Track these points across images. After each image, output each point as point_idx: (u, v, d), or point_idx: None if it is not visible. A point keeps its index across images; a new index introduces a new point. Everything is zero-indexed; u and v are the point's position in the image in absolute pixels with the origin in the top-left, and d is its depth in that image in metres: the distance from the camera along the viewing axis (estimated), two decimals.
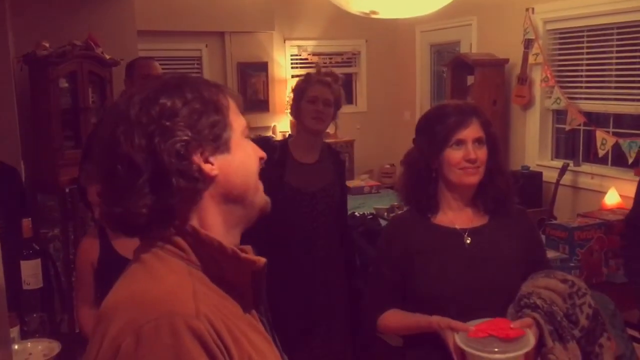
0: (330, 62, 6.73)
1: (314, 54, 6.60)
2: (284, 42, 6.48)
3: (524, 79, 4.95)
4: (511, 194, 1.85)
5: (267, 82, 6.40)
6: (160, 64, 5.76)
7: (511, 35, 5.04)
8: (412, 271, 1.80)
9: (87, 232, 2.32)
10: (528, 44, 4.84)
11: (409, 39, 6.65)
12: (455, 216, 1.83)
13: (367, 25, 6.68)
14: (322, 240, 2.54)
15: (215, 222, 0.94)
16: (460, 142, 1.76)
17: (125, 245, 1.68)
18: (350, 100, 7.00)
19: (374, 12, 4.07)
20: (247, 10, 6.01)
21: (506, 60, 5.09)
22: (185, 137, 0.88)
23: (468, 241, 1.79)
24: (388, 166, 6.57)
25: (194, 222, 0.92)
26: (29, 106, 3.63)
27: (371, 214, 3.97)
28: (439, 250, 1.79)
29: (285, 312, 2.44)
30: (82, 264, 2.12)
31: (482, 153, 1.77)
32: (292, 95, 2.70)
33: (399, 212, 2.34)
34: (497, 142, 1.83)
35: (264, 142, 2.66)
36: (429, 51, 6.55)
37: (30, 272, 1.97)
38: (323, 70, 2.74)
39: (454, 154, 1.77)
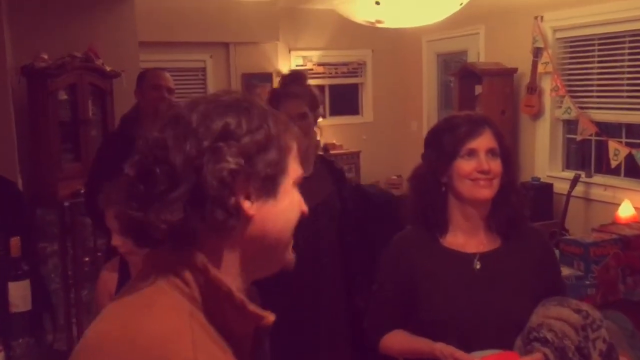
0: (336, 73, 6.66)
1: (319, 64, 6.53)
2: (289, 53, 6.42)
3: (533, 89, 4.85)
4: (525, 213, 1.74)
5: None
6: None
7: (520, 44, 4.95)
8: (417, 295, 1.70)
9: (105, 264, 2.22)
10: (537, 52, 4.75)
11: (415, 48, 6.57)
12: (466, 239, 1.72)
13: (373, 35, 6.62)
14: (326, 257, 2.42)
15: (232, 264, 0.85)
16: (472, 152, 1.66)
17: None
18: (356, 110, 6.92)
19: (379, 22, 4.00)
20: (251, 20, 5.95)
21: (515, 70, 5.00)
22: (235, 167, 0.79)
23: (478, 266, 1.68)
24: (395, 177, 6.47)
25: (209, 257, 0.83)
26: (27, 119, 3.56)
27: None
28: (447, 275, 1.68)
29: (289, 325, 2.34)
30: (101, 296, 2.02)
31: (495, 165, 1.66)
32: None
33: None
34: (510, 155, 1.72)
35: None
36: (436, 61, 6.47)
37: (19, 294, 1.87)
38: (284, 73, 2.55)
39: (465, 165, 1.66)
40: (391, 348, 1.77)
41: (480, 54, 5.59)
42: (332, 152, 6.34)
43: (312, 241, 2.38)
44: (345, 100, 6.86)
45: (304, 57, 6.49)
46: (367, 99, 6.89)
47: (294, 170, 0.88)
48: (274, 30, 6.14)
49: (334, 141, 6.50)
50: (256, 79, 6.24)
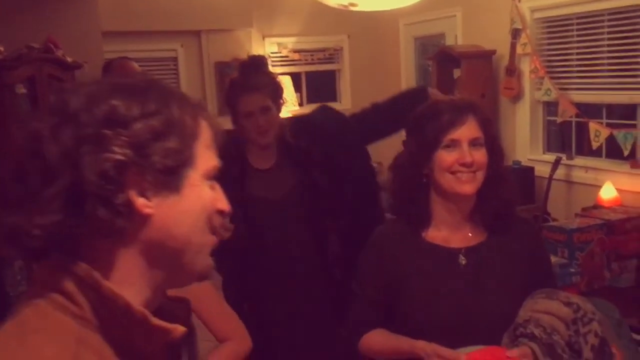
0: (313, 59, 6.51)
1: (294, 51, 6.37)
2: (263, 40, 6.25)
3: (512, 71, 4.75)
4: (514, 204, 1.63)
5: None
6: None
7: (498, 25, 4.84)
8: (399, 292, 1.59)
9: None
10: (515, 34, 4.64)
11: (392, 32, 6.44)
12: (450, 233, 1.62)
13: (348, 19, 6.47)
14: (299, 250, 2.28)
15: (132, 273, 0.72)
16: (454, 143, 1.55)
17: None
18: (333, 97, 6.79)
19: (352, 5, 3.87)
20: (223, 7, 5.78)
21: (493, 52, 4.89)
22: (121, 157, 0.67)
23: (463, 262, 1.59)
24: (375, 165, 6.36)
25: (101, 267, 0.70)
26: None
27: None
28: (430, 272, 1.58)
29: (269, 326, 2.22)
30: None
31: (479, 155, 1.55)
32: None
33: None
34: (498, 144, 1.61)
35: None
36: (414, 44, 6.35)
37: None
38: (242, 60, 2.37)
39: (445, 156, 1.55)
40: (370, 349, 1.68)
41: (458, 36, 5.47)
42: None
43: (281, 235, 2.26)
44: (322, 87, 6.72)
45: (279, 44, 6.32)
46: (344, 85, 6.76)
47: (205, 161, 0.76)
48: (247, 17, 5.97)
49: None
50: (230, 67, 6.05)
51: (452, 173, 1.54)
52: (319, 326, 2.27)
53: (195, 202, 0.73)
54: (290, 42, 6.35)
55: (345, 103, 6.75)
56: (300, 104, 6.42)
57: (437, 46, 5.70)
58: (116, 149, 0.66)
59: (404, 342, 1.53)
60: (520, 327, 1.45)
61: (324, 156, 2.28)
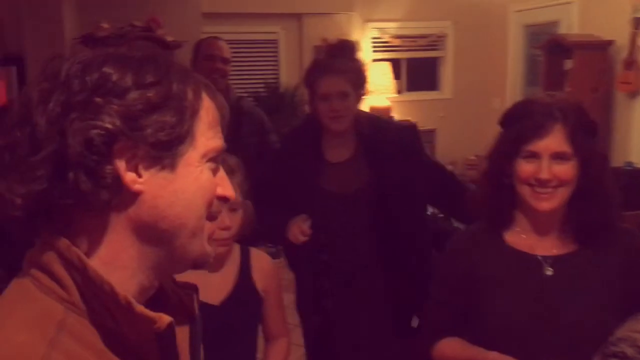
0: (415, 46, 6.33)
1: (396, 37, 6.22)
2: (365, 24, 6.14)
3: (630, 63, 4.35)
4: (614, 216, 1.44)
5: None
6: (232, 48, 5.68)
7: (617, 14, 4.44)
8: (476, 298, 1.47)
9: None
10: (637, 23, 4.23)
11: (500, 19, 6.12)
12: (535, 240, 1.46)
13: (454, 5, 6.24)
14: (365, 248, 2.14)
15: (122, 255, 0.67)
16: (534, 155, 1.39)
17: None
18: (434, 86, 6.58)
19: None
20: None
21: (610, 42, 4.50)
22: (109, 126, 0.62)
23: (549, 272, 1.43)
24: (473, 157, 6.10)
25: (89, 245, 0.66)
26: None
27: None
28: (511, 279, 1.44)
29: (329, 323, 2.16)
30: None
31: (562, 171, 1.37)
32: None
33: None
34: (592, 155, 1.41)
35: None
36: (523, 33, 5.99)
37: None
38: (331, 43, 2.24)
39: (524, 167, 1.40)
40: (443, 356, 1.58)
41: (573, 25, 5.09)
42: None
43: (347, 232, 2.15)
44: (422, 75, 6.52)
45: (380, 29, 6.19)
46: (446, 73, 6.52)
47: (206, 140, 0.70)
48: (348, 1, 5.89)
49: (409, 118, 6.20)
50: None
51: (530, 186, 1.39)
52: (381, 325, 2.18)
53: (192, 183, 0.68)
54: (392, 27, 6.20)
55: (446, 92, 6.53)
56: (399, 92, 6.27)
57: (550, 35, 5.34)
58: (105, 117, 0.62)
59: (476, 352, 1.42)
60: (612, 345, 1.29)
61: (400, 161, 2.14)
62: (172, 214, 0.67)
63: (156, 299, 0.76)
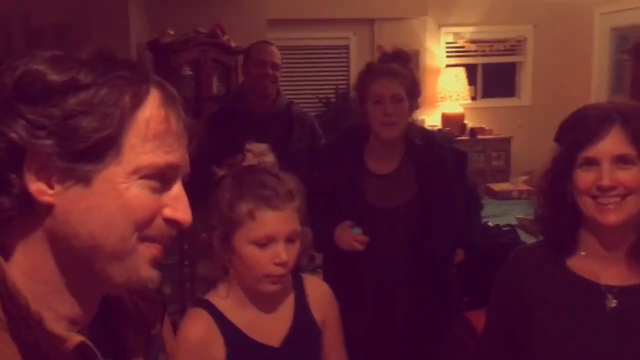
0: (491, 50, 6.09)
1: (472, 42, 6.02)
2: (439, 29, 5.99)
3: None
4: None
5: (418, 72, 5.97)
6: (304, 54, 5.69)
7: None
8: (530, 324, 1.34)
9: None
10: None
11: (585, 22, 5.78)
12: (601, 266, 1.31)
13: (535, 8, 5.95)
14: (403, 264, 2.04)
15: (45, 269, 0.64)
16: (592, 161, 1.25)
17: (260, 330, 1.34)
18: (511, 92, 6.30)
19: None
20: None
21: None
22: (14, 136, 0.59)
23: (613, 304, 1.28)
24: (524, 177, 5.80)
25: (14, 258, 0.64)
26: None
27: (509, 225, 3.39)
28: (569, 308, 1.30)
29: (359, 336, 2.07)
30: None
31: (627, 177, 1.21)
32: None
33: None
34: None
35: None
36: (610, 36, 5.63)
37: None
38: (387, 50, 2.15)
39: (582, 176, 1.25)
40: None
41: None
42: (479, 137, 5.84)
43: (386, 247, 2.04)
44: (499, 80, 6.27)
45: (455, 34, 6.01)
46: (525, 79, 6.23)
47: (137, 156, 0.63)
48: (422, 5, 5.75)
49: (483, 125, 5.99)
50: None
51: (593, 197, 1.24)
52: (408, 338, 2.07)
53: (111, 201, 0.62)
54: (467, 31, 6.01)
55: (525, 99, 6.24)
56: (474, 98, 6.06)
57: (638, 38, 4.98)
58: (15, 125, 0.58)
59: None
60: None
61: (447, 181, 2.05)
62: (85, 232, 0.62)
63: (118, 312, 0.73)
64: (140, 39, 3.48)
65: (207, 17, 3.82)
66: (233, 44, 3.76)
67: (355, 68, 5.94)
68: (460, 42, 6.00)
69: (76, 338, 0.61)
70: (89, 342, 0.62)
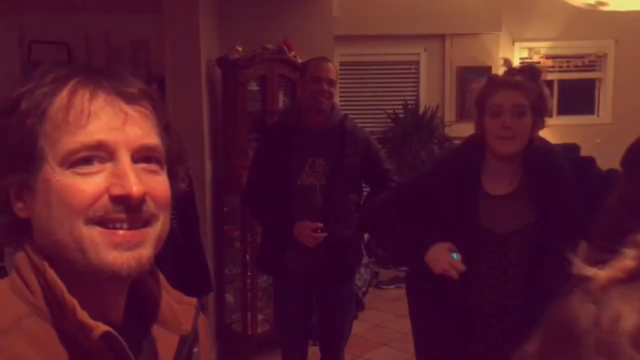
0: (568, 66, 5.89)
1: (547, 57, 5.84)
2: (513, 44, 5.85)
3: None
4: None
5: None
6: (373, 69, 5.71)
7: None
8: None
9: None
10: None
11: None
12: None
13: (616, 22, 5.69)
14: (509, 294, 1.87)
15: (51, 265, 0.70)
16: None
17: None
18: (590, 109, 6.05)
19: (601, 4, 3.37)
20: (471, 9, 5.55)
21: None
22: None
23: None
24: None
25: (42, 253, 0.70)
26: (222, 108, 3.78)
27: None
28: None
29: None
30: None
31: None
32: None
33: None
34: None
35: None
36: None
37: None
38: (515, 66, 2.00)
39: None
40: None
41: None
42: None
43: (493, 275, 1.88)
44: (577, 97, 6.04)
45: (530, 49, 5.86)
46: (605, 96, 5.98)
47: (59, 146, 0.66)
48: (496, 20, 5.64)
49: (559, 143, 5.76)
50: (473, 72, 5.81)
51: None
52: None
53: (51, 198, 0.66)
54: (543, 47, 5.84)
55: (604, 117, 5.98)
56: (550, 115, 5.86)
57: None
58: None
59: None
60: None
61: (570, 200, 1.85)
62: (49, 232, 0.67)
63: (150, 311, 0.79)
64: (210, 55, 3.61)
65: (275, 34, 3.92)
66: (299, 60, 3.83)
67: (425, 84, 5.90)
68: (536, 58, 5.83)
69: (102, 327, 0.65)
70: (114, 332, 0.66)
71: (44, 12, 3.60)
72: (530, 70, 1.94)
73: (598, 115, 6.02)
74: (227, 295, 3.87)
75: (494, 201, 1.91)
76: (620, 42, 5.80)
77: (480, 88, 1.97)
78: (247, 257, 3.70)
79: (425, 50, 5.84)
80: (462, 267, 1.79)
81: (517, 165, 1.89)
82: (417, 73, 5.89)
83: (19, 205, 0.68)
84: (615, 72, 5.88)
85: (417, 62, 5.87)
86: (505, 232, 1.87)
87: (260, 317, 3.83)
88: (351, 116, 2.85)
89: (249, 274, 3.69)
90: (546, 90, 1.95)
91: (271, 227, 2.80)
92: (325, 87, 2.65)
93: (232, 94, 3.65)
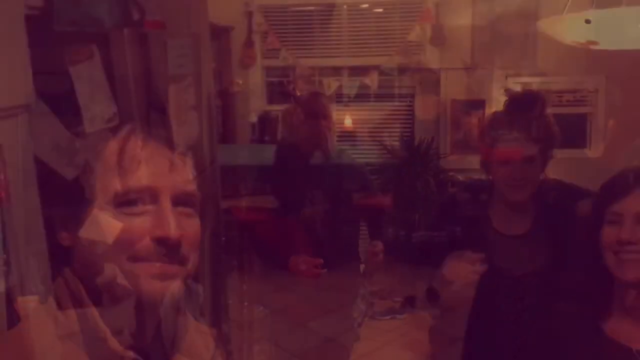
0: (560, 101, 5.99)
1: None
2: (506, 79, 5.96)
3: None
4: None
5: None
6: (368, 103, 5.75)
7: None
8: None
9: None
10: None
11: None
12: (634, 327, 1.30)
13: (607, 58, 5.81)
14: (522, 332, 1.77)
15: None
16: (616, 218, 1.26)
17: None
18: (582, 143, 6.15)
19: (592, 43, 3.48)
20: (465, 44, 5.69)
21: None
22: None
23: None
24: None
25: None
26: None
27: None
28: None
29: None
30: None
31: None
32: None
33: None
34: None
35: None
36: None
37: None
38: (514, 93, 1.98)
39: (607, 232, 1.28)
40: None
41: None
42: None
43: (506, 318, 1.81)
44: (569, 131, 6.15)
45: (523, 84, 5.97)
46: (597, 130, 6.09)
47: (107, 188, 0.73)
48: (489, 55, 5.77)
49: (555, 177, 5.85)
50: (468, 105, 5.92)
51: (615, 253, 1.25)
52: None
53: (98, 232, 0.71)
54: (535, 82, 5.95)
55: (595, 151, 6.07)
56: (558, 143, 5.95)
57: None
58: None
59: None
60: None
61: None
62: (91, 262, 0.74)
63: (176, 341, 0.84)
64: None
65: None
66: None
67: (419, 117, 6.00)
68: None
69: (131, 355, 0.72)
70: (139, 358, 0.72)
71: None
72: (529, 99, 1.91)
73: (590, 149, 6.12)
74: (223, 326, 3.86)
75: (508, 241, 1.86)
76: (610, 78, 5.93)
77: (485, 125, 1.96)
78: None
79: (420, 84, 5.95)
80: (482, 268, 1.72)
81: (530, 204, 1.84)
82: (412, 106, 5.99)
83: (64, 234, 0.73)
84: (607, 107, 6.00)
85: (412, 95, 5.98)
86: (516, 274, 1.83)
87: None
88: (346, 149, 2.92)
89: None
90: (551, 118, 1.94)
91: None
92: (323, 121, 2.72)
93: None
